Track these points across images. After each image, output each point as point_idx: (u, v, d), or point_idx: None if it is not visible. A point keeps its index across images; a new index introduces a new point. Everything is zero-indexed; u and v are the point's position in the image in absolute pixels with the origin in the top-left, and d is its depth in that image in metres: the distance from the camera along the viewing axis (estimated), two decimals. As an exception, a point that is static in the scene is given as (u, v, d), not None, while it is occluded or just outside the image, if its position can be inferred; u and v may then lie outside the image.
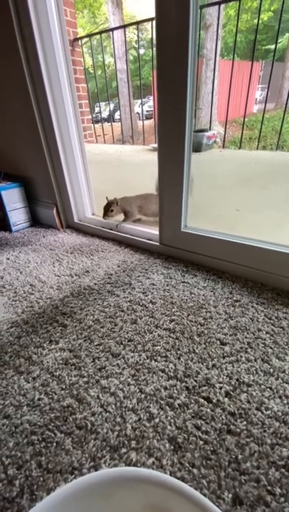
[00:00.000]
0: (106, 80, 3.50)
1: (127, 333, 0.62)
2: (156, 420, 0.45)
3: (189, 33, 0.60)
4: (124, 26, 3.39)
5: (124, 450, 0.41)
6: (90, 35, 3.15)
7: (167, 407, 0.46)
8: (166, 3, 0.60)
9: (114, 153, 3.36)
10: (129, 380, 0.51)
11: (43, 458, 0.41)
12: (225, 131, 2.99)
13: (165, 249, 0.92)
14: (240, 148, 3.11)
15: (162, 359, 0.55)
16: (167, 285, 0.77)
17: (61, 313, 0.69)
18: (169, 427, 0.44)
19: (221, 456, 0.40)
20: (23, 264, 0.92)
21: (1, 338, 0.62)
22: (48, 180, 1.09)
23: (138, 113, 5.82)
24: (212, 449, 0.41)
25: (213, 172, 2.13)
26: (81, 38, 2.83)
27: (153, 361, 0.54)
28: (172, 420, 0.44)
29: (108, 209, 1.06)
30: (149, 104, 7.50)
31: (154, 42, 0.68)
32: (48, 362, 0.56)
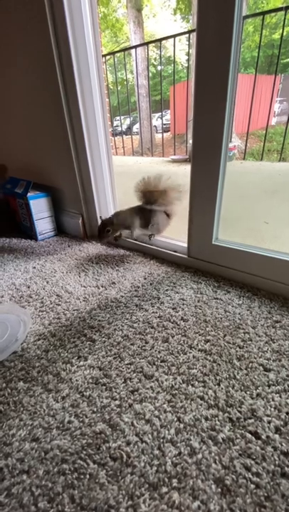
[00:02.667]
0: (128, 95, 3.60)
1: (159, 352, 0.58)
2: (199, 456, 0.40)
3: (232, 44, 0.59)
4: (147, 43, 3.50)
5: (165, 489, 0.37)
6: (113, 53, 3.28)
7: (210, 441, 0.42)
8: (209, 14, 0.59)
9: (133, 164, 3.41)
10: (165, 406, 0.47)
11: (76, 491, 0.37)
12: (246, 143, 2.96)
13: (194, 262, 0.88)
14: (261, 159, 3.06)
15: (200, 384, 0.50)
16: (198, 301, 0.73)
17: (89, 326, 0.67)
18: (213, 465, 0.39)
19: (277, 504, 0.35)
20: (49, 273, 0.91)
21: (28, 351, 0.60)
22: (76, 191, 1.09)
23: (155, 126, 5.94)
24: (266, 494, 0.36)
25: (237, 183, 2.09)
26: (105, 55, 2.94)
27: (190, 386, 0.50)
28: (217, 457, 0.40)
29: (103, 229, 0.93)
30: (167, 117, 7.65)
31: (193, 53, 0.67)
32: (77, 380, 0.53)
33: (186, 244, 0.91)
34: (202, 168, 0.75)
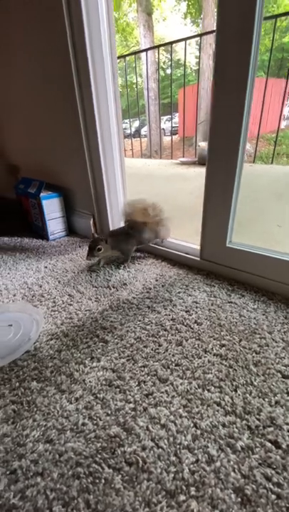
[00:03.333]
0: (137, 98, 3.62)
1: (173, 356, 0.57)
2: (217, 464, 0.39)
3: (252, 45, 0.58)
4: (158, 46, 3.52)
5: (182, 497, 0.36)
6: (124, 56, 3.30)
7: (228, 449, 0.41)
8: (230, 15, 0.59)
9: (142, 166, 3.41)
10: (180, 411, 0.46)
11: (92, 496, 0.36)
12: (256, 146, 2.94)
13: (206, 264, 0.87)
14: (272, 163, 3.03)
15: (216, 390, 0.49)
16: (212, 304, 0.72)
17: (101, 327, 0.66)
18: (232, 473, 0.38)
19: (299, 519, 0.34)
20: (60, 273, 0.91)
21: (41, 350, 0.60)
22: (88, 192, 1.09)
23: (163, 129, 5.96)
24: (287, 505, 0.35)
25: (248, 186, 2.06)
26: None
27: (206, 391, 0.49)
28: (236, 466, 0.39)
29: (95, 247, 0.85)
30: (175, 120, 7.68)
31: (213, 53, 0.67)
32: (90, 381, 0.52)
33: (197, 247, 0.90)
34: (218, 170, 0.74)
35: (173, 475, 0.38)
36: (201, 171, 3.04)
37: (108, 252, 0.89)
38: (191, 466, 0.39)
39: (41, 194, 1.08)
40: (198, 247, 0.89)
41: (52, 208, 1.12)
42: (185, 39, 2.97)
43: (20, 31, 1.03)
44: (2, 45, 1.13)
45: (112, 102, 0.97)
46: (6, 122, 1.37)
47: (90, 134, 1.00)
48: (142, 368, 0.54)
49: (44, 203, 1.08)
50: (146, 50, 3.53)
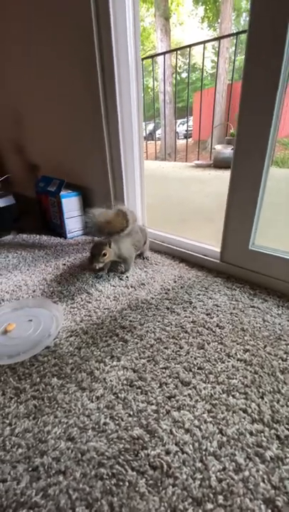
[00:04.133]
0: (154, 101, 3.64)
1: (195, 358, 0.55)
2: (246, 473, 0.37)
3: (285, 47, 0.57)
4: (176, 49, 3.53)
5: (210, 506, 0.34)
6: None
7: (257, 458, 0.39)
8: (263, 17, 0.57)
9: (156, 168, 3.42)
10: (205, 416, 0.45)
11: (116, 499, 0.35)
12: (274, 150, 2.89)
13: (227, 267, 0.85)
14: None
15: (241, 396, 0.47)
16: (234, 308, 0.70)
17: (120, 326, 0.66)
18: (262, 484, 0.36)
19: None
20: (78, 270, 0.91)
21: (61, 347, 0.60)
22: (107, 192, 1.10)
23: (177, 132, 5.96)
24: None
25: (266, 189, 2.02)
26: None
27: (231, 397, 0.47)
28: (265, 476, 0.37)
29: (100, 252, 0.76)
30: (189, 124, 7.67)
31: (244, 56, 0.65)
32: (111, 380, 0.51)
33: (217, 249, 0.88)
34: (244, 173, 0.72)
35: (199, 482, 0.37)
36: (217, 173, 3.02)
37: (112, 257, 0.80)
38: (218, 473, 0.37)
39: (61, 193, 1.09)
40: (218, 250, 0.88)
41: (71, 206, 1.12)
42: (204, 42, 2.97)
43: (44, 33, 1.05)
44: (26, 45, 1.15)
45: (134, 104, 0.97)
46: (29, 122, 1.39)
47: (112, 135, 1.00)
48: (164, 370, 0.53)
49: (64, 201, 1.09)
50: (164, 53, 3.55)
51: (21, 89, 1.31)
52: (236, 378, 0.51)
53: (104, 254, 0.77)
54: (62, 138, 1.22)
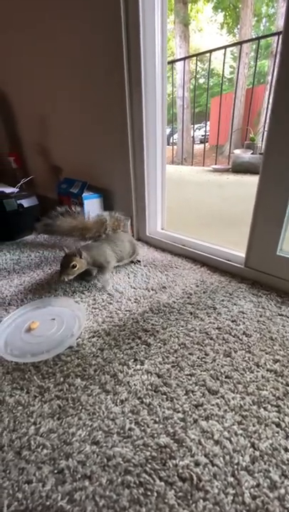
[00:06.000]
0: (172, 106, 3.65)
1: (222, 367, 0.53)
2: (282, 491, 0.35)
3: None
4: (197, 55, 3.54)
5: (244, 526, 0.32)
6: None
7: (294, 478, 0.36)
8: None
9: (174, 172, 3.41)
10: (235, 427, 0.42)
11: (144, 509, 0.34)
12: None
13: (252, 273, 0.82)
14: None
15: (273, 409, 0.45)
16: (261, 316, 0.67)
17: (142, 329, 0.64)
18: (301, 507, 0.33)
19: None
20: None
21: (83, 347, 0.59)
22: (128, 194, 1.10)
23: (193, 137, 5.97)
24: None
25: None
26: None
27: (262, 409, 0.45)
28: (304, 498, 0.34)
29: (69, 265, 0.74)
30: (205, 129, 7.66)
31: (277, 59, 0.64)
32: (135, 384, 0.50)
33: (242, 254, 0.86)
34: (274, 176, 0.70)
35: (232, 497, 0.35)
36: (236, 178, 2.97)
37: (85, 267, 0.78)
38: (252, 490, 0.35)
39: (83, 194, 1.11)
40: (242, 254, 0.85)
41: (92, 208, 1.13)
42: (225, 47, 2.96)
43: (72, 35, 1.07)
44: (51, 47, 1.18)
45: (159, 107, 0.97)
46: (54, 125, 1.42)
47: (136, 139, 1.00)
48: (189, 377, 0.52)
49: (86, 202, 1.10)
50: (184, 58, 3.57)
51: (48, 92, 1.34)
52: (267, 389, 0.48)
53: (74, 266, 0.75)
54: (86, 141, 1.23)
